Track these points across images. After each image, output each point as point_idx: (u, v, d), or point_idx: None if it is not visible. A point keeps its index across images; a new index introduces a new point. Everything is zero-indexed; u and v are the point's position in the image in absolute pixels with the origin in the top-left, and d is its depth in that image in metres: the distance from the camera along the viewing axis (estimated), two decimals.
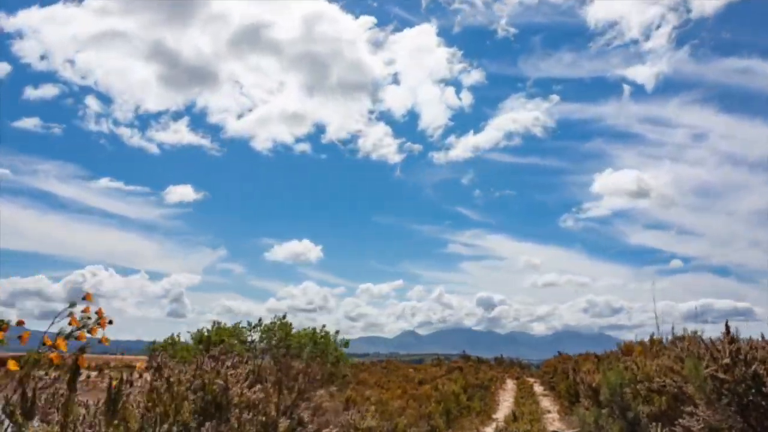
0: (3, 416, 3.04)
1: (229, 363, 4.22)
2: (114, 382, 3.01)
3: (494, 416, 13.88)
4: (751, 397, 3.79)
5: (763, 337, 4.13)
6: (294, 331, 17.44)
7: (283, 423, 5.23)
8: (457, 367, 28.79)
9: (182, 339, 18.10)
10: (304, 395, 5.96)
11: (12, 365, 2.25)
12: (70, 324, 2.21)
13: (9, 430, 2.92)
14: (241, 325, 17.96)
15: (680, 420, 4.34)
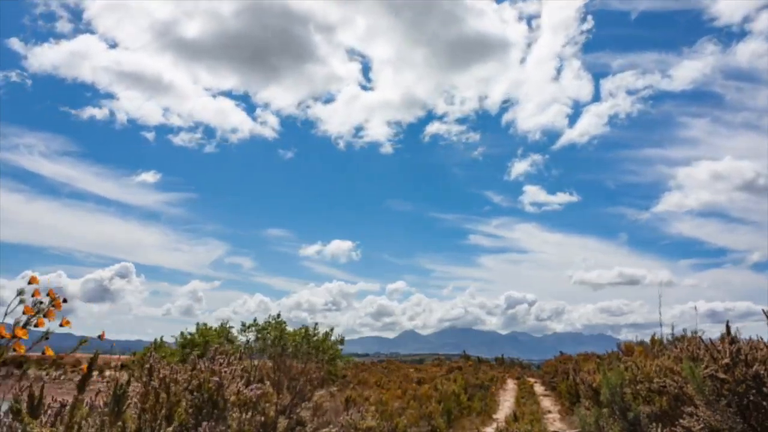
0: (3, 416, 3.03)
1: (222, 361, 4.22)
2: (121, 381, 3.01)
3: (495, 416, 13.87)
4: (751, 398, 3.78)
5: (760, 338, 4.11)
6: (290, 329, 17.46)
7: (282, 422, 5.22)
8: (458, 367, 28.78)
9: (167, 341, 18.20)
10: (303, 395, 5.96)
11: None
12: (24, 313, 2.10)
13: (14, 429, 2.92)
14: (229, 325, 18.01)
15: (681, 420, 4.33)
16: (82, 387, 3.03)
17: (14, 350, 2.06)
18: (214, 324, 18.64)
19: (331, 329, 18.21)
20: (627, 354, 9.33)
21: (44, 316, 2.13)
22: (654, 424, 5.05)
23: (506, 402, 17.50)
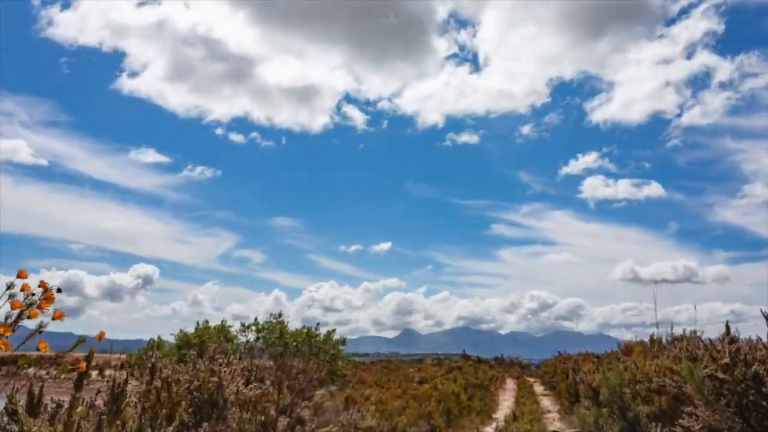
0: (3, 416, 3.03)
1: (221, 361, 4.23)
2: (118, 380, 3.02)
3: (494, 416, 13.89)
4: (750, 398, 3.79)
5: (759, 338, 4.12)
6: (291, 329, 17.46)
7: (283, 422, 5.24)
8: (457, 366, 28.80)
9: (167, 341, 18.13)
10: (303, 394, 5.97)
11: None
12: (12, 308, 1.99)
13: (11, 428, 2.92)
14: (228, 324, 17.99)
15: (680, 420, 4.34)
16: (79, 385, 3.03)
17: (1, 348, 1.97)
18: (217, 323, 18.60)
19: (333, 330, 18.22)
20: (626, 354, 9.36)
21: (37, 307, 2.01)
22: (653, 424, 5.06)
23: (506, 402, 17.52)
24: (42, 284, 2.07)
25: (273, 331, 16.95)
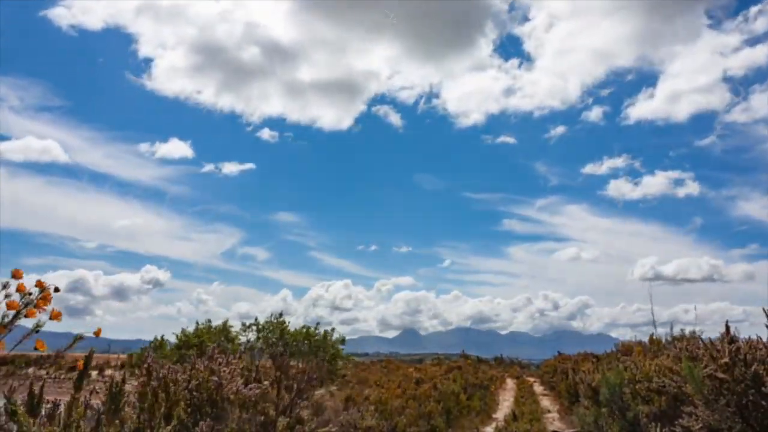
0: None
1: (221, 360, 4.22)
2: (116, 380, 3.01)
3: (494, 416, 13.88)
4: (750, 397, 3.78)
5: (759, 337, 4.11)
6: (293, 329, 17.45)
7: (282, 421, 5.23)
8: (457, 366, 28.79)
9: (169, 341, 18.09)
10: (303, 394, 5.96)
11: None
12: (9, 308, 1.97)
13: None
14: (229, 324, 17.96)
15: (680, 420, 4.33)
16: (79, 386, 3.02)
17: None
18: (218, 322, 18.57)
19: (332, 329, 18.21)
20: (626, 353, 9.35)
21: (34, 306, 2.00)
22: (653, 424, 5.05)
23: (505, 401, 17.52)
24: (39, 284, 2.05)
25: (273, 332, 16.94)
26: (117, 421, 2.95)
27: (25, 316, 2.01)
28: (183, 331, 17.83)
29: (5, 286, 1.97)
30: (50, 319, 2.09)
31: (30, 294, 2.01)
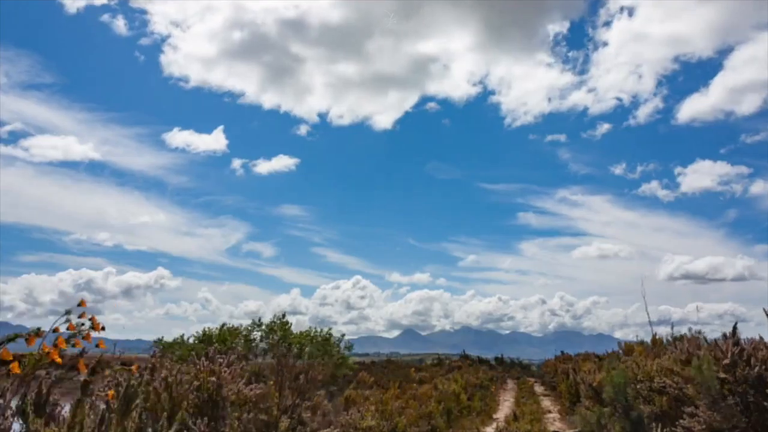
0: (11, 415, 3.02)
1: (222, 361, 4.21)
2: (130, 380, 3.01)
3: (495, 416, 13.87)
4: (752, 398, 3.78)
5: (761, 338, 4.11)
6: (296, 331, 17.43)
7: (284, 422, 5.23)
8: (457, 366, 28.79)
9: (189, 340, 17.93)
10: (305, 395, 5.96)
11: (15, 368, 2.27)
12: (68, 329, 2.28)
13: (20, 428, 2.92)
14: (247, 326, 17.91)
15: (681, 420, 4.32)
16: (85, 389, 3.04)
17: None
18: (230, 322, 18.52)
19: (331, 329, 18.21)
20: (627, 354, 9.34)
21: (83, 338, 2.32)
22: (654, 424, 5.05)
23: (506, 402, 17.50)
24: (92, 319, 2.38)
25: (276, 332, 16.94)
26: (128, 423, 2.95)
27: (73, 345, 2.34)
28: (204, 330, 17.66)
29: (68, 312, 2.29)
30: (96, 347, 2.50)
31: (83, 324, 2.34)
